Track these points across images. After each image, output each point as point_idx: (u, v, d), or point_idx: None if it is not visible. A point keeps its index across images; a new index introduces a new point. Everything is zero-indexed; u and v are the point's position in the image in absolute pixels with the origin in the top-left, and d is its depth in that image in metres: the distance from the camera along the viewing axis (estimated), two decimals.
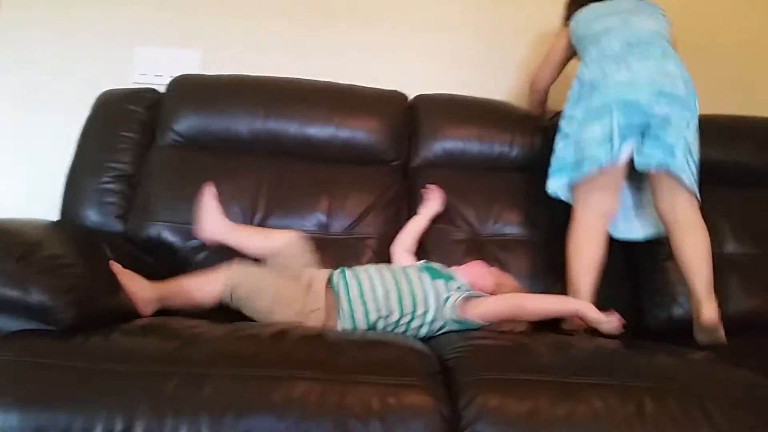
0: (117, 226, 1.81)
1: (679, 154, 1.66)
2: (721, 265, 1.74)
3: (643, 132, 1.68)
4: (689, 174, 1.67)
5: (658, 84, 1.66)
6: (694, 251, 1.65)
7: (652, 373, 1.28)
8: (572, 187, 1.78)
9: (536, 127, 2.05)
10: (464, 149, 2.01)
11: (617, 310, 1.66)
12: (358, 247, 1.84)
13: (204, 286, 1.52)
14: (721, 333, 1.59)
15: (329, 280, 1.59)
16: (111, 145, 1.89)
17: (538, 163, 2.00)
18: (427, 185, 1.91)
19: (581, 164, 1.72)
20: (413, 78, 2.23)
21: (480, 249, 1.88)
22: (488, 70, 2.32)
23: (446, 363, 1.27)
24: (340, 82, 2.06)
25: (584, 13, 1.90)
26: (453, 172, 2.00)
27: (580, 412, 1.12)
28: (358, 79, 2.08)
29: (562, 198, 1.81)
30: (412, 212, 1.92)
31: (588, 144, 1.70)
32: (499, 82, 2.30)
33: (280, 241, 1.68)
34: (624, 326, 1.52)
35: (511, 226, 1.93)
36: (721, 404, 1.16)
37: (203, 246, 1.76)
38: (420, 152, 2.03)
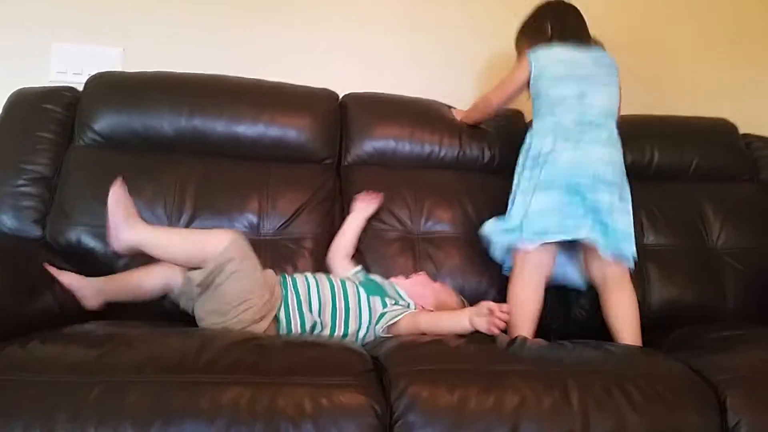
0: (35, 231, 1.73)
1: (630, 244, 1.71)
2: (641, 256, 1.80)
3: (591, 213, 1.70)
4: (634, 256, 1.73)
5: (600, 171, 1.71)
6: (623, 312, 1.70)
7: (574, 360, 1.34)
8: (512, 249, 1.78)
9: (464, 125, 2.07)
10: (395, 147, 2.02)
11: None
12: (291, 248, 1.81)
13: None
14: None
15: None
16: (27, 146, 1.81)
17: (468, 161, 2.04)
18: (360, 193, 1.89)
19: (527, 230, 1.71)
20: (342, 76, 2.21)
21: (412, 247, 1.89)
22: (418, 69, 2.33)
23: (378, 359, 1.27)
24: (268, 79, 2.02)
25: (546, 61, 1.84)
26: (384, 170, 2.00)
27: (508, 400, 1.15)
28: (286, 76, 2.06)
29: (497, 259, 1.83)
30: (345, 211, 1.91)
31: (535, 215, 1.72)
32: (429, 80, 2.30)
33: (220, 245, 1.44)
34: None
35: (442, 224, 1.94)
36: (641, 386, 1.22)
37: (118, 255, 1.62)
38: (351, 150, 2.02)
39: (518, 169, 1.83)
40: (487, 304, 1.43)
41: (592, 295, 1.83)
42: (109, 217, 1.50)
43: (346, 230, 1.84)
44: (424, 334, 1.49)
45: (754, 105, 2.48)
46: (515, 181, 1.82)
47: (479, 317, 1.43)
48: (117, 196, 1.52)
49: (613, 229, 1.70)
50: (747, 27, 2.56)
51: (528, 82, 1.87)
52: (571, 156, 1.72)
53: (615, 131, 1.80)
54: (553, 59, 1.84)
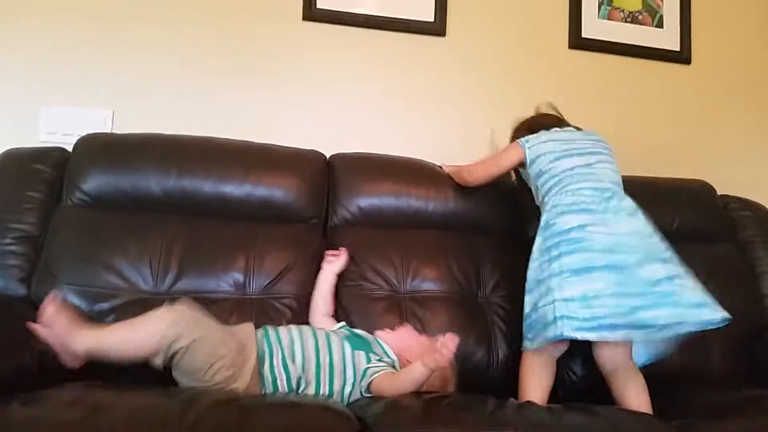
0: (20, 289, 1.72)
1: (708, 309, 1.58)
2: None
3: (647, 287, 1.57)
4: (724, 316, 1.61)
5: (639, 245, 1.63)
6: (638, 399, 1.64)
7: (564, 428, 1.33)
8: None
9: (450, 183, 2.09)
10: (381, 207, 2.04)
11: None
12: (277, 307, 1.80)
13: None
14: None
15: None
16: (14, 206, 1.81)
17: (454, 219, 2.06)
18: (328, 251, 1.91)
19: (552, 328, 1.58)
20: (330, 135, 2.26)
21: (399, 306, 1.88)
22: (404, 128, 2.38)
23: (365, 421, 1.26)
24: (256, 140, 2.06)
25: (540, 145, 1.84)
26: (371, 229, 2.01)
27: None
28: (274, 136, 2.10)
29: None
30: None
31: (562, 306, 1.58)
32: (415, 140, 2.35)
33: (159, 330, 1.39)
34: None
35: (428, 282, 1.94)
36: None
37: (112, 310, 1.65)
38: (338, 210, 2.04)
39: (537, 253, 1.71)
40: (436, 341, 1.42)
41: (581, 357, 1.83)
42: (50, 338, 1.39)
43: (319, 290, 1.84)
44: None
45: (728, 166, 2.55)
46: (536, 266, 1.70)
47: (431, 355, 1.41)
48: (53, 312, 1.41)
49: (682, 300, 1.57)
50: (720, 91, 2.65)
51: (518, 167, 1.92)
52: (605, 234, 1.62)
53: (633, 202, 1.73)
54: (546, 142, 1.85)
